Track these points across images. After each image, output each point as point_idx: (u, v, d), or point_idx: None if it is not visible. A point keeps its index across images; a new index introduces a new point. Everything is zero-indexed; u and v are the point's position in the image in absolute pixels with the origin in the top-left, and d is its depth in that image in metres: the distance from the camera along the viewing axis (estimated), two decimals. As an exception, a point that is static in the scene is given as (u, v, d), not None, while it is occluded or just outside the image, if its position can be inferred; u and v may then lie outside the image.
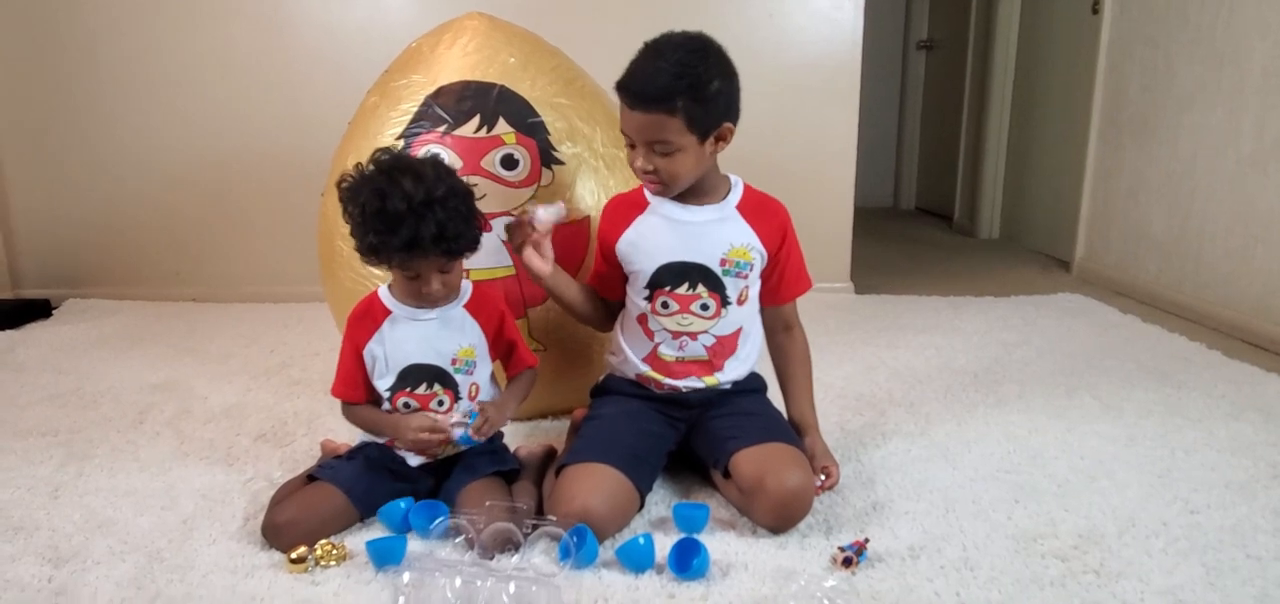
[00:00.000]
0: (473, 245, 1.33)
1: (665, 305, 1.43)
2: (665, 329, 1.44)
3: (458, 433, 1.34)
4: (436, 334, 1.36)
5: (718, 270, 1.41)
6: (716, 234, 1.42)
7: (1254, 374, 2.09)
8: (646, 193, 1.45)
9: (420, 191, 1.23)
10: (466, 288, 1.42)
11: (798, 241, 1.49)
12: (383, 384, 1.37)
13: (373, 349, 1.36)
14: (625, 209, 1.47)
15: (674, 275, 1.41)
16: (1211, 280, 2.63)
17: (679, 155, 1.33)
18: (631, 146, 1.37)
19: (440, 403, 1.37)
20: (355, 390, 1.38)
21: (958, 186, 4.68)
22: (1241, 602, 1.12)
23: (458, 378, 1.37)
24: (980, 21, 4.38)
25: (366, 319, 1.37)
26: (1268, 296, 2.39)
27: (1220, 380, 2.04)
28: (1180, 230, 2.79)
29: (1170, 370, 2.12)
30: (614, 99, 1.83)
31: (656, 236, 1.42)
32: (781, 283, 1.48)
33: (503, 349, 1.45)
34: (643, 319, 1.45)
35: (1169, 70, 2.83)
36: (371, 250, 1.28)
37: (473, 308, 1.40)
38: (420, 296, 1.33)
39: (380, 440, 1.41)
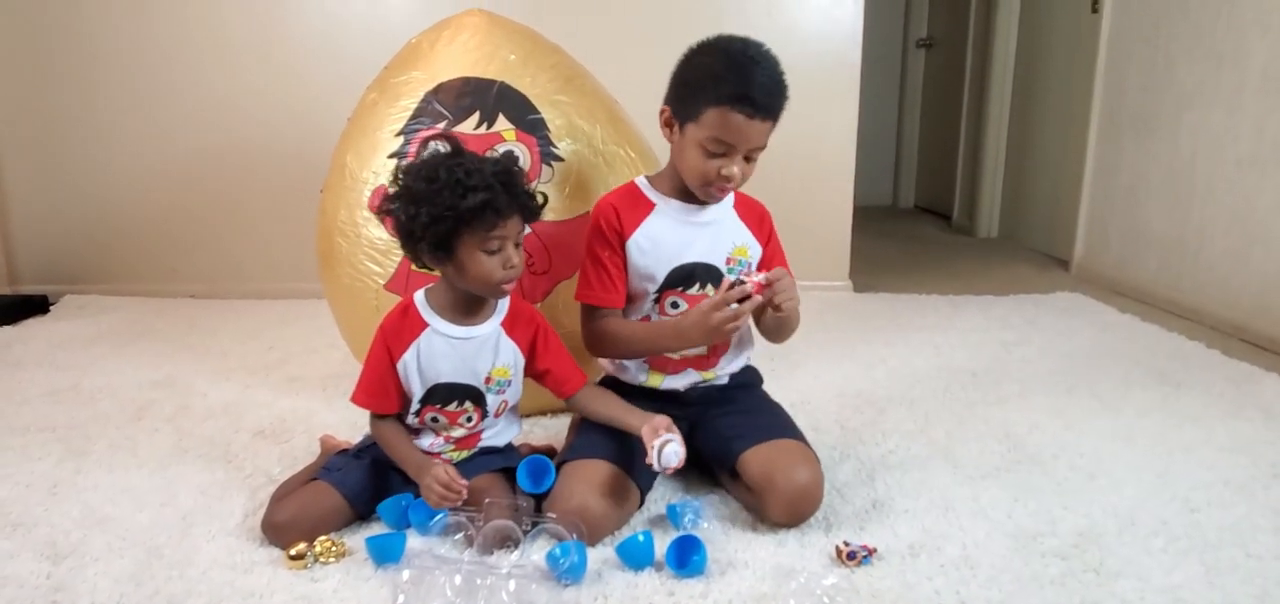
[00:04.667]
0: (538, 214, 1.34)
1: (674, 305, 1.43)
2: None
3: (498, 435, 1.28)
4: (475, 353, 1.32)
5: (724, 269, 1.42)
6: (720, 233, 1.43)
7: (1253, 373, 2.09)
8: (651, 193, 1.44)
9: (490, 164, 1.26)
10: (503, 304, 1.36)
11: (779, 240, 1.52)
12: (413, 398, 1.33)
13: (407, 360, 1.30)
14: (633, 206, 1.43)
15: (685, 277, 1.41)
16: (1210, 279, 2.63)
17: (758, 158, 1.37)
18: (717, 156, 1.33)
19: (469, 418, 1.35)
20: (387, 400, 1.32)
21: (957, 185, 4.68)
22: (1241, 601, 1.12)
23: (489, 397, 1.35)
24: (980, 19, 4.37)
25: (403, 329, 1.31)
26: (1266, 295, 2.39)
27: (1219, 379, 2.04)
28: (1179, 229, 2.79)
29: (1169, 369, 2.12)
30: (615, 96, 1.84)
31: (668, 238, 1.41)
32: None
33: (538, 370, 1.39)
34: (646, 320, 1.45)
35: (1169, 69, 2.83)
36: (458, 220, 1.21)
37: (509, 325, 1.36)
38: (501, 275, 1.26)
39: None
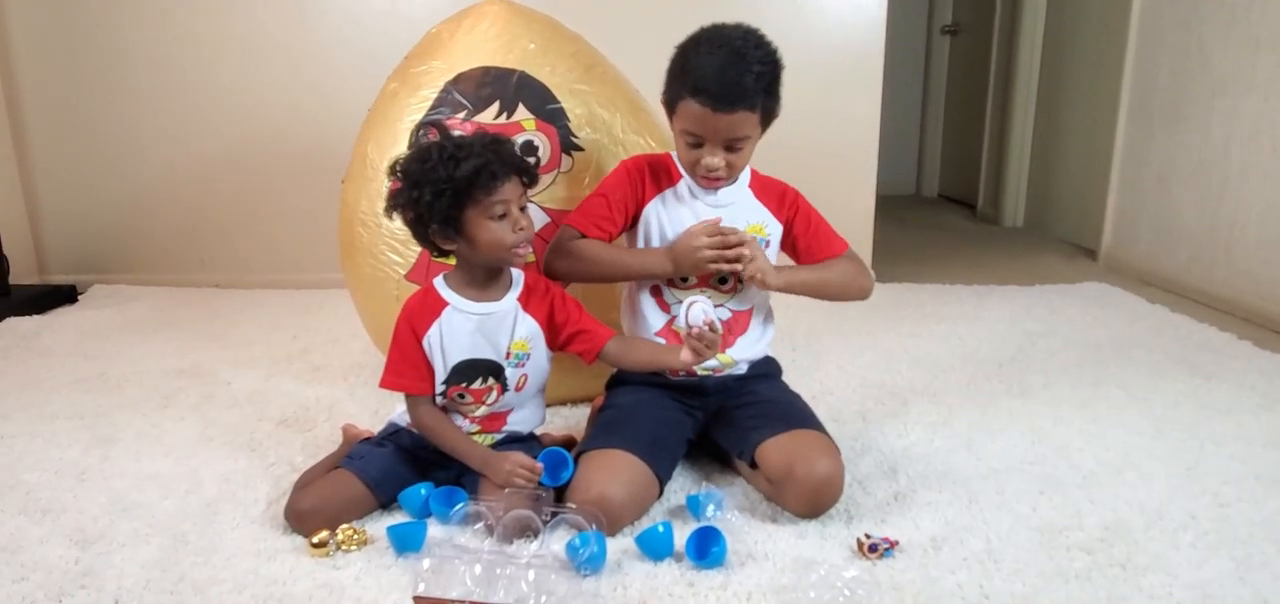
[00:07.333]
0: (537, 178, 1.36)
1: (685, 280, 1.44)
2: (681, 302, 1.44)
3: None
4: (495, 328, 1.33)
5: None
6: (736, 214, 1.44)
7: (1286, 365, 2.05)
8: (681, 166, 1.46)
9: (480, 136, 1.30)
10: (518, 279, 1.39)
11: (817, 212, 1.52)
12: (437, 377, 1.34)
13: (430, 338, 1.32)
14: (657, 174, 1.47)
15: None
16: (1243, 270, 2.58)
17: (746, 148, 1.37)
18: (696, 146, 1.36)
19: (492, 396, 1.36)
20: (418, 380, 1.33)
21: (982, 173, 4.62)
22: (1272, 596, 1.10)
23: (508, 370, 1.36)
24: (1006, 4, 4.31)
25: (425, 309, 1.33)
26: (1301, 286, 2.33)
27: (1251, 371, 2.00)
28: (1212, 219, 2.73)
29: (1199, 361, 2.08)
30: (635, 85, 1.83)
31: (683, 219, 1.43)
32: (813, 247, 1.50)
33: (563, 337, 1.39)
34: (657, 290, 1.47)
35: (1202, 55, 2.77)
36: (457, 191, 1.24)
37: (525, 299, 1.37)
38: (512, 238, 1.28)
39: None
